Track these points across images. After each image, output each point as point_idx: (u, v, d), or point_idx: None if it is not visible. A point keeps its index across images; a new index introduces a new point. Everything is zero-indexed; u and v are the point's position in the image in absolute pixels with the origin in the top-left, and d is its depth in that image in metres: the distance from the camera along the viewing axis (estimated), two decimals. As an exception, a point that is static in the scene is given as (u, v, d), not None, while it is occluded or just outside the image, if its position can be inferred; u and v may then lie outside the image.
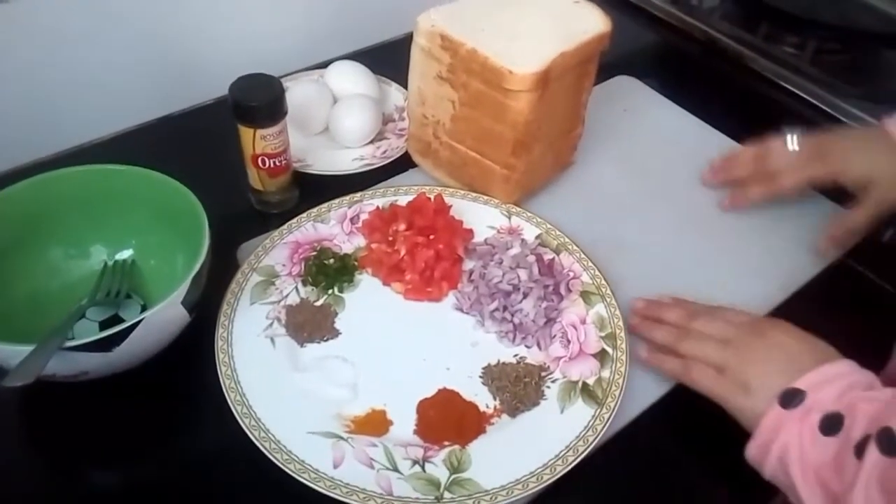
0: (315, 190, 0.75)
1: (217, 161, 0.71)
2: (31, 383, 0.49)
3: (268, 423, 0.54)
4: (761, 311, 0.66)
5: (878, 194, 0.68)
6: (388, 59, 0.89)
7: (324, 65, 0.88)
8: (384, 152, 0.80)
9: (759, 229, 0.75)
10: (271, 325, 0.62)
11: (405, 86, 0.85)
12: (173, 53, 0.86)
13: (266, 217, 0.73)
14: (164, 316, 0.55)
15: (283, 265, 0.66)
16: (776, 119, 0.91)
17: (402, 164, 0.79)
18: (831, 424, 0.49)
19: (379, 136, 0.82)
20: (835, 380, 0.51)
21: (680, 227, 0.75)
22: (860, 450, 0.47)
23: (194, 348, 0.59)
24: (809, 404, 0.50)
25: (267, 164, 0.70)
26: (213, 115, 0.82)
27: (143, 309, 0.63)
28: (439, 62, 0.68)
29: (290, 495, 0.53)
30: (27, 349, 0.50)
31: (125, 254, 0.66)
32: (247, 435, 0.54)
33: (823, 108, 0.91)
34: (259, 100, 0.67)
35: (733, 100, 0.94)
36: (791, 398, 0.51)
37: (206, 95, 0.85)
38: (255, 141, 0.68)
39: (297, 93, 0.81)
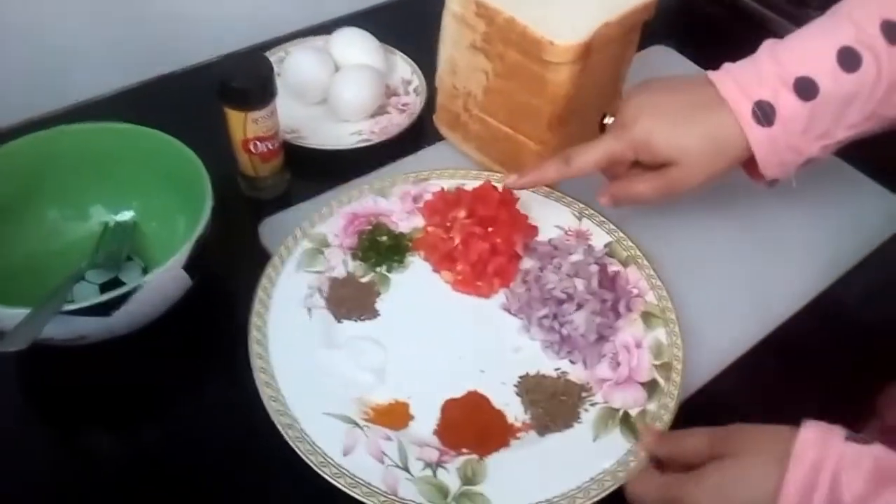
0: (307, 166, 0.71)
1: (222, 122, 0.65)
2: (27, 348, 0.47)
3: (288, 397, 0.53)
4: (804, 299, 0.65)
5: (677, 174, 0.58)
6: (399, 22, 0.85)
7: (329, 25, 0.83)
8: (383, 128, 0.76)
9: (799, 216, 0.72)
10: (311, 295, 0.60)
11: (413, 56, 0.82)
12: (175, 7, 0.82)
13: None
14: (165, 280, 0.53)
15: (336, 235, 0.64)
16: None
17: (402, 141, 0.74)
18: None
19: (380, 111, 0.78)
20: None
21: (720, 212, 0.71)
22: None
23: (196, 313, 0.58)
24: None
25: (259, 149, 0.66)
26: (216, 73, 0.75)
27: (145, 272, 0.62)
28: (473, 30, 0.64)
29: (293, 468, 0.50)
30: (23, 312, 0.48)
31: (126, 215, 0.65)
32: (250, 404, 0.52)
33: None
34: (249, 81, 0.62)
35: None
36: None
37: (212, 52, 0.79)
38: (247, 125, 0.64)
39: (297, 59, 0.77)
